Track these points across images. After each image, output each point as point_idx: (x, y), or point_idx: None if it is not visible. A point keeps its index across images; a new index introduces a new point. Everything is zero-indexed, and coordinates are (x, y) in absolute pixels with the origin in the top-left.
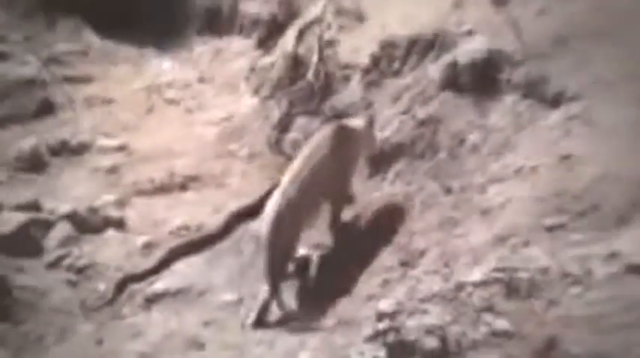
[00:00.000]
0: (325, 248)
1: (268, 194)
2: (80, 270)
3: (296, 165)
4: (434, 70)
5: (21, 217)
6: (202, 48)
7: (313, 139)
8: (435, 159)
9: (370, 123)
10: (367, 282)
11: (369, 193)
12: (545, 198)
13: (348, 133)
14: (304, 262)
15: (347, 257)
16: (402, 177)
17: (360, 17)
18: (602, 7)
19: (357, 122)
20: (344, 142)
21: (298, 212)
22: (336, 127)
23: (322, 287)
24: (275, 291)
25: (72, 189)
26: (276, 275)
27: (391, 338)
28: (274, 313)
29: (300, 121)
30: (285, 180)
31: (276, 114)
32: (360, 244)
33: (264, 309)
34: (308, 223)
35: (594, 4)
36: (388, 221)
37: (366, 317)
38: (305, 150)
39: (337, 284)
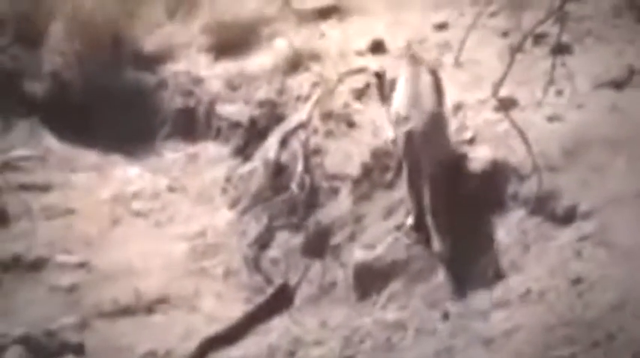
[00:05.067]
0: None
1: (246, 318)
2: None
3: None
4: None
5: None
6: (174, 154)
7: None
8: (433, 281)
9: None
10: None
11: (359, 318)
12: (554, 326)
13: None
14: None
15: None
16: (395, 300)
17: (350, 122)
18: (617, 114)
19: None
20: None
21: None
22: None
23: None
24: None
25: (26, 310)
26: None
27: None
28: None
29: (281, 237)
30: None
31: (254, 229)
32: None
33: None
34: None
35: (609, 111)
36: None
37: None
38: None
39: None
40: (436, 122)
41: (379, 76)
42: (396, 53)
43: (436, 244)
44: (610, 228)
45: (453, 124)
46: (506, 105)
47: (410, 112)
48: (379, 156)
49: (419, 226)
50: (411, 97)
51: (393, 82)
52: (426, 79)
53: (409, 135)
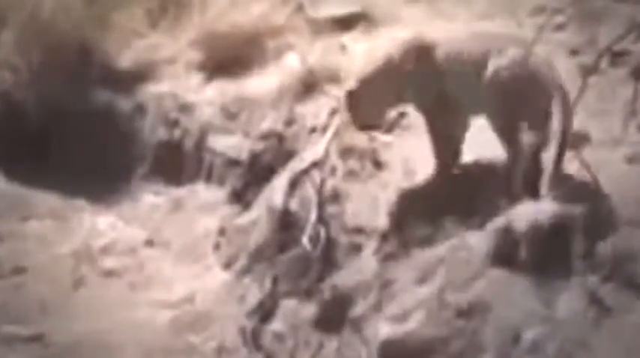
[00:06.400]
0: None
1: None
2: None
3: None
4: (479, 237)
5: None
6: (154, 198)
7: None
8: None
9: None
10: None
11: None
12: None
13: None
14: None
15: None
16: None
17: (376, 160)
18: None
19: None
20: None
21: None
22: None
23: None
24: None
25: None
26: None
27: None
28: None
29: (288, 306)
30: None
31: (254, 295)
32: None
33: None
34: None
35: None
36: None
37: None
38: None
39: None
40: None
41: (351, 95)
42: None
43: None
44: None
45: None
46: (576, 140)
47: None
48: (413, 203)
49: None
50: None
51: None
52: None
53: None
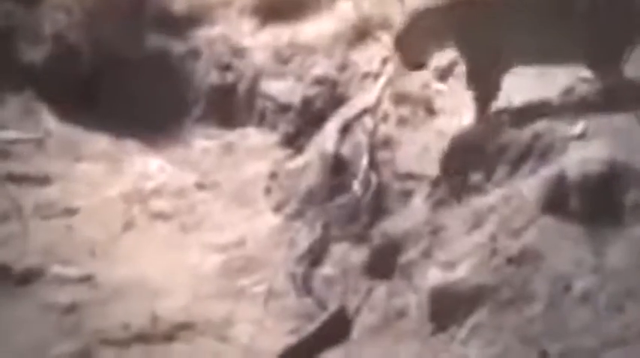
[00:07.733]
0: None
1: (291, 352)
2: None
3: None
4: (530, 185)
5: None
6: (205, 142)
7: None
8: (528, 310)
9: None
10: None
11: (433, 356)
12: None
13: None
14: None
15: None
16: (480, 334)
17: (429, 107)
18: None
19: None
20: None
21: None
22: None
23: None
24: None
25: (13, 334)
26: None
27: None
28: None
29: (339, 251)
30: None
31: (304, 239)
32: None
33: None
34: None
35: None
36: None
37: None
38: None
39: None
40: None
41: (402, 33)
42: None
43: None
44: None
45: (559, 114)
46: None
47: None
48: (463, 149)
49: None
50: None
51: None
52: None
53: None
